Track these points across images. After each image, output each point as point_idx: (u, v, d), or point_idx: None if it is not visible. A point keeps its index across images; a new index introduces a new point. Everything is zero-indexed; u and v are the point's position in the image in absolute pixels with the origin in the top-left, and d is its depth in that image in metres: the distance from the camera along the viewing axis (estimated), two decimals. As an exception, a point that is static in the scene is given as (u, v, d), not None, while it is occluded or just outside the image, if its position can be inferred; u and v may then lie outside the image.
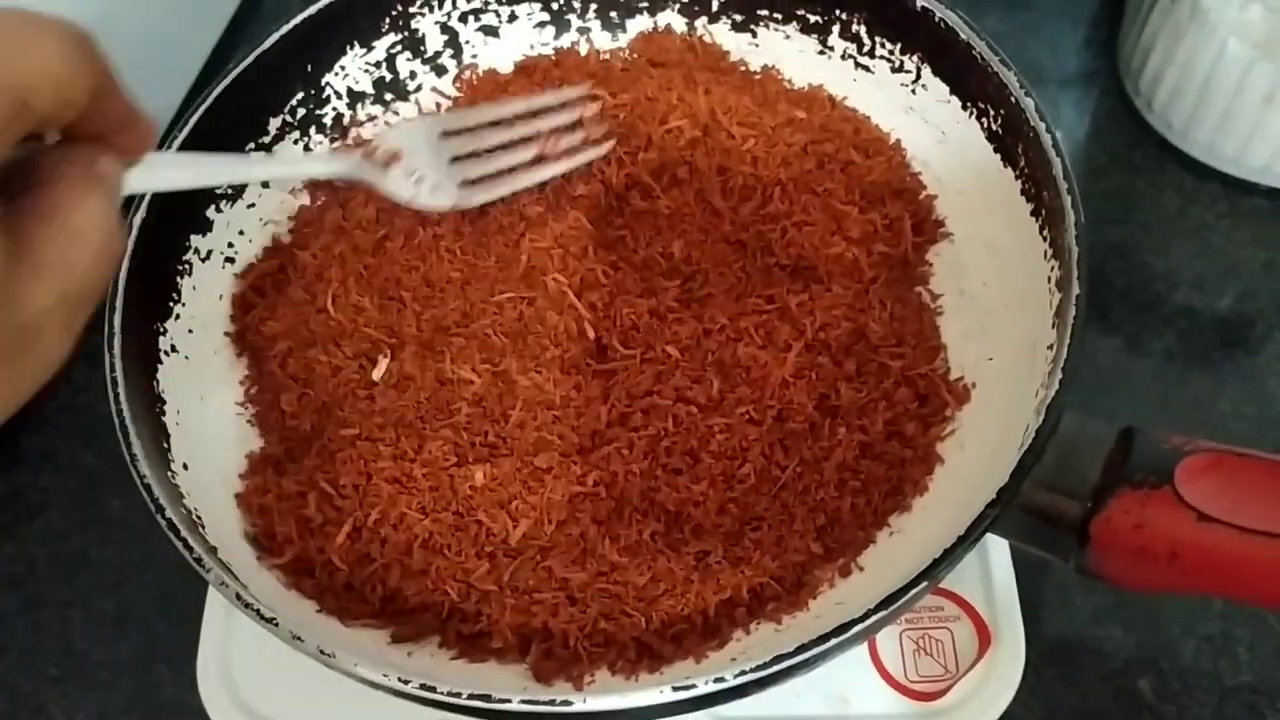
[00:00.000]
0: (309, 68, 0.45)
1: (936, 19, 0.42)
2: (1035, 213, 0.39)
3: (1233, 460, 0.31)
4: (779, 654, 0.29)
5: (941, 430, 0.38)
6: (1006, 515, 0.31)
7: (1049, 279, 0.37)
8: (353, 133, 0.46)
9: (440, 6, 0.47)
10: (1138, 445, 0.32)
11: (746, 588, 0.35)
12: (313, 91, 0.45)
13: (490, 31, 0.48)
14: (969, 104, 0.42)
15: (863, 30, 0.45)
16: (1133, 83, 0.55)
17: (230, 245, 0.42)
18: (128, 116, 0.25)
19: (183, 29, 0.57)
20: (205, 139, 0.39)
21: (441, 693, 0.29)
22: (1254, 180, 0.52)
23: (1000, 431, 0.35)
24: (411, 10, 0.46)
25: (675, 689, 0.29)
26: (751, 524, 0.36)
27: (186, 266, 0.41)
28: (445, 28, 0.47)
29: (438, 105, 0.47)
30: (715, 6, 0.48)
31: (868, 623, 0.29)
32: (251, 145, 0.43)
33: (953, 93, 0.43)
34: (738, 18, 0.48)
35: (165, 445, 0.36)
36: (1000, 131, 0.41)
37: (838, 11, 0.46)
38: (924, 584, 0.30)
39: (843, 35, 0.46)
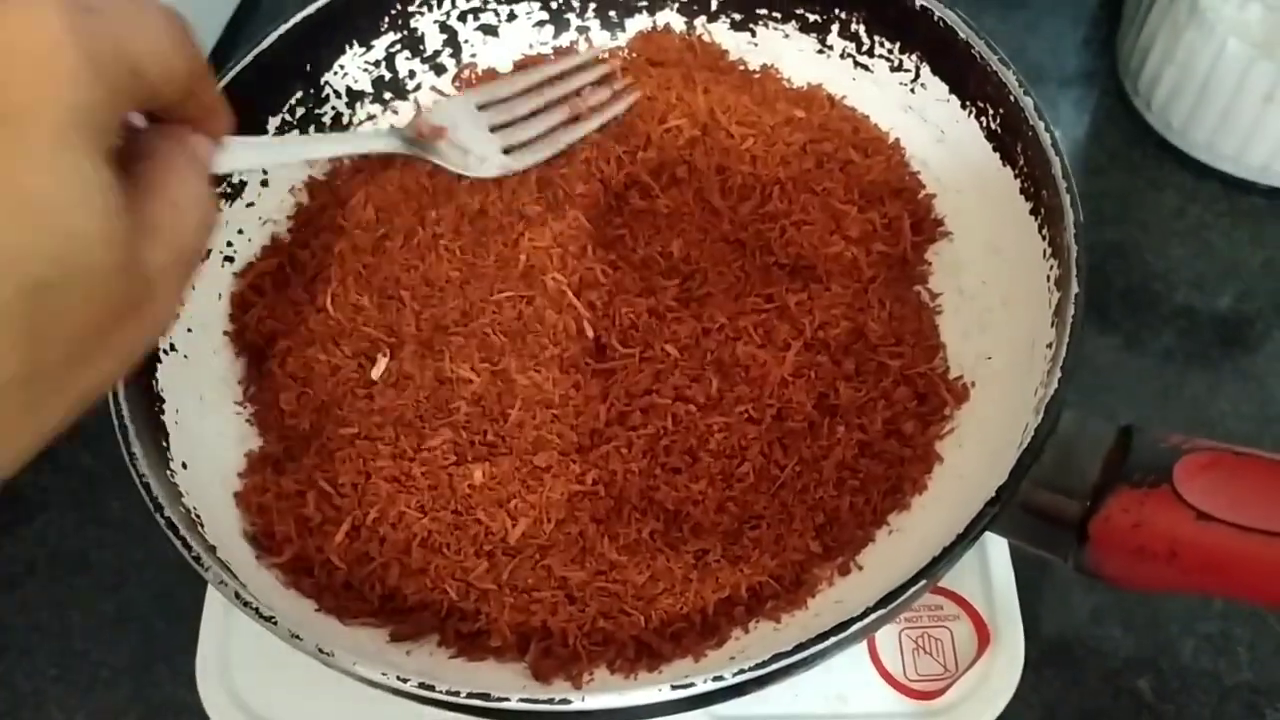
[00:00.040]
0: (308, 67, 0.45)
1: (935, 18, 0.42)
2: (1034, 211, 0.39)
3: (1231, 459, 0.31)
4: (778, 652, 0.29)
5: (940, 429, 0.38)
6: (1005, 514, 0.31)
7: (1048, 278, 0.37)
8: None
9: (439, 5, 0.47)
10: (1136, 444, 0.32)
11: (745, 586, 0.35)
12: (312, 91, 0.45)
13: (489, 30, 0.48)
14: (968, 103, 0.42)
15: (862, 29, 0.46)
16: (1131, 82, 0.55)
17: (229, 244, 0.42)
18: (213, 103, 0.27)
19: (182, 28, 0.57)
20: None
21: (440, 691, 0.29)
22: (1253, 179, 0.52)
23: (999, 430, 0.35)
24: (411, 9, 0.46)
25: (674, 687, 0.29)
26: (750, 523, 0.36)
27: (186, 265, 0.41)
28: (444, 27, 0.47)
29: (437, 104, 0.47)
30: (714, 6, 0.48)
31: (866, 621, 0.29)
32: (251, 144, 0.43)
33: (952, 92, 0.43)
34: (737, 17, 0.48)
35: (164, 444, 0.36)
36: (999, 130, 0.41)
37: (837, 10, 0.46)
38: (923, 582, 0.30)
39: (842, 34, 0.46)
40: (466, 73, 0.48)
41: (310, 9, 0.43)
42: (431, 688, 0.29)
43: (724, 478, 0.36)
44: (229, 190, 0.42)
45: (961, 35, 0.41)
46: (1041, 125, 0.38)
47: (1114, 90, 0.56)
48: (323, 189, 0.44)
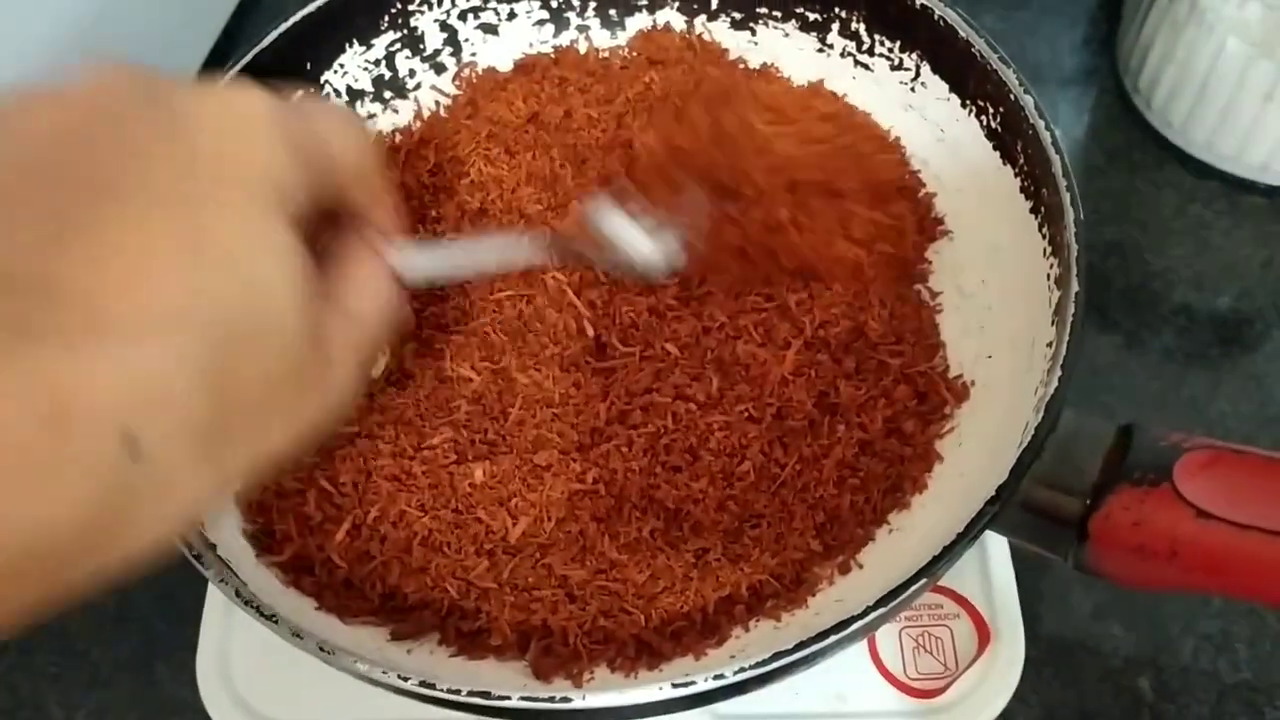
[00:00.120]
0: (308, 65, 0.45)
1: (935, 17, 0.42)
2: (1034, 210, 0.39)
3: (1231, 457, 0.31)
4: (778, 651, 0.29)
5: (941, 428, 0.38)
6: (1006, 512, 0.31)
7: (1048, 276, 0.37)
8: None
9: (439, 4, 0.47)
10: (1136, 442, 0.32)
11: (746, 585, 0.35)
12: (312, 89, 0.45)
13: (489, 29, 0.48)
14: (968, 102, 0.43)
15: (862, 28, 0.46)
16: (1131, 81, 0.55)
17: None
18: (380, 196, 0.29)
19: (182, 27, 0.57)
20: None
21: (441, 690, 0.29)
22: (1253, 178, 0.52)
23: (999, 429, 0.35)
24: (411, 8, 0.46)
25: (675, 686, 0.29)
26: (751, 521, 0.36)
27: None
28: (444, 25, 0.47)
29: (437, 104, 0.47)
30: (714, 4, 0.48)
31: (867, 620, 0.29)
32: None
33: (952, 90, 0.43)
34: (737, 15, 0.48)
35: (164, 443, 0.36)
36: (999, 129, 0.41)
37: (837, 9, 0.46)
38: (923, 581, 0.30)
39: (842, 33, 0.46)
40: (466, 71, 0.48)
41: (310, 8, 0.43)
42: (432, 686, 0.29)
43: (724, 476, 0.36)
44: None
45: (961, 34, 0.41)
46: (1042, 124, 0.38)
47: (1114, 89, 0.56)
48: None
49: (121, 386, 0.19)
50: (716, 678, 0.29)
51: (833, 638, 0.29)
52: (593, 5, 0.48)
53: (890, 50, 0.45)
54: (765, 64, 0.47)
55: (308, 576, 0.35)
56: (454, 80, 0.48)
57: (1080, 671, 0.41)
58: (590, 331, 0.38)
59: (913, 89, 0.45)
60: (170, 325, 0.20)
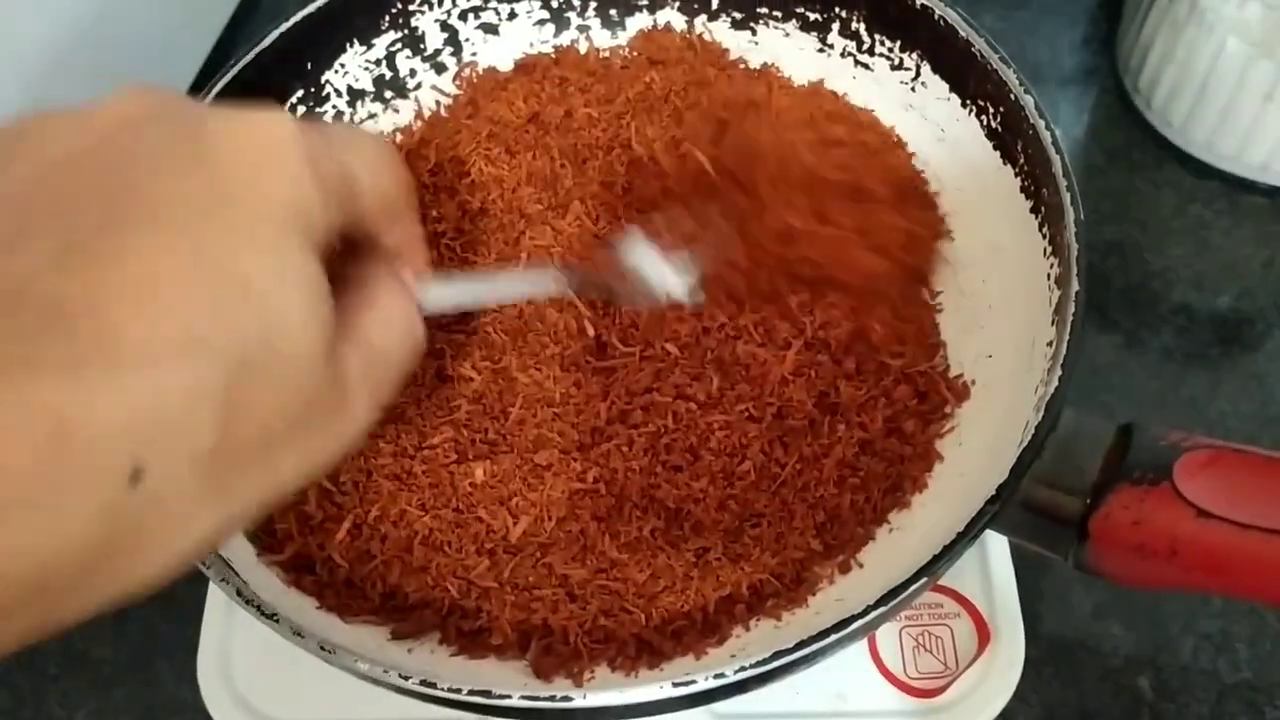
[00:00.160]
0: (309, 65, 0.45)
1: (936, 16, 0.42)
2: (1035, 210, 0.39)
3: (1232, 456, 0.31)
4: (778, 650, 0.29)
5: (941, 427, 0.38)
6: (1006, 512, 0.31)
7: (1048, 276, 0.37)
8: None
9: (440, 4, 0.47)
10: (1136, 442, 0.32)
11: (746, 584, 0.35)
12: (312, 89, 0.45)
13: (490, 29, 0.48)
14: (968, 101, 0.43)
15: (862, 28, 0.46)
16: (1131, 81, 0.55)
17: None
18: (414, 239, 0.29)
19: (182, 28, 0.57)
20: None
21: (442, 689, 0.29)
22: (1253, 178, 0.52)
23: (999, 428, 0.35)
24: (411, 8, 0.46)
25: (675, 685, 0.29)
26: (751, 521, 0.36)
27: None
28: (445, 25, 0.47)
29: (437, 103, 0.47)
30: (715, 4, 0.48)
31: (867, 619, 0.29)
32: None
33: (952, 90, 0.43)
34: (737, 15, 0.48)
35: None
36: (999, 129, 0.41)
37: (837, 9, 0.46)
38: (923, 580, 0.30)
39: (842, 33, 0.46)
40: (467, 71, 0.48)
41: (310, 8, 0.43)
42: (433, 685, 0.29)
43: (725, 476, 0.36)
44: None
45: (962, 34, 0.41)
46: (1042, 124, 0.38)
47: (1114, 89, 0.56)
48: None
49: (128, 416, 0.19)
50: (717, 677, 0.29)
51: (833, 637, 0.29)
52: (593, 5, 0.48)
53: (890, 50, 0.45)
54: (765, 64, 0.47)
55: (308, 575, 0.35)
56: (454, 80, 0.48)
57: (1080, 671, 0.41)
58: (590, 331, 0.38)
59: (913, 89, 0.45)
60: (182, 353, 0.20)
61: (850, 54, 0.46)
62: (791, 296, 0.38)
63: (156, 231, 0.20)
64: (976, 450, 0.36)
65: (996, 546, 0.41)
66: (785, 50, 0.47)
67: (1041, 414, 0.32)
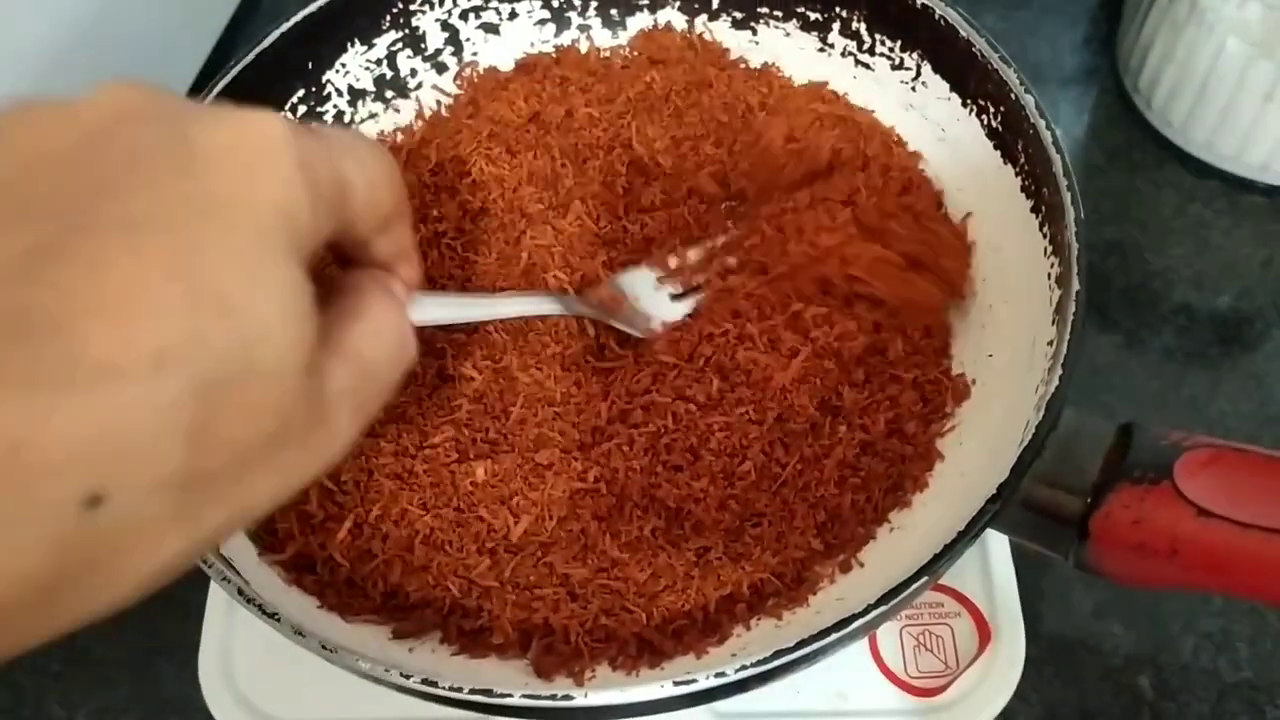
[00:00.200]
0: (309, 65, 0.45)
1: (936, 16, 0.42)
2: (1035, 209, 0.39)
3: (1232, 455, 0.31)
4: (779, 649, 0.29)
5: (942, 427, 0.38)
6: (1006, 511, 0.31)
7: (1049, 275, 0.37)
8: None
9: (441, 4, 0.47)
10: (1137, 441, 0.32)
11: (747, 584, 0.35)
12: (313, 89, 0.45)
13: (491, 29, 0.48)
14: (969, 101, 0.43)
15: (862, 27, 0.46)
16: (1131, 80, 0.55)
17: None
18: (408, 248, 0.28)
19: (182, 28, 0.57)
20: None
21: (443, 688, 0.29)
22: (1252, 178, 0.52)
23: (1000, 427, 0.35)
24: (412, 8, 0.46)
25: (676, 684, 0.29)
26: (752, 520, 0.36)
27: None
28: (446, 25, 0.47)
29: (438, 103, 0.47)
30: (715, 4, 0.48)
31: (868, 618, 0.29)
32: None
33: (952, 90, 0.43)
34: (738, 15, 0.48)
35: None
36: (1000, 128, 0.41)
37: (838, 9, 0.46)
38: (924, 579, 0.30)
39: (842, 32, 0.46)
40: (468, 71, 0.48)
41: (311, 7, 0.43)
42: (434, 684, 0.29)
43: (725, 475, 0.36)
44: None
45: (962, 34, 0.41)
46: (1042, 123, 0.38)
47: (1114, 89, 0.56)
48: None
49: (88, 437, 0.17)
50: (718, 676, 0.29)
51: (834, 636, 0.29)
52: (594, 5, 0.48)
53: (891, 50, 0.45)
54: (766, 63, 0.47)
55: (309, 575, 0.35)
56: (455, 80, 0.48)
57: (1081, 670, 0.41)
58: (591, 331, 0.38)
59: (913, 88, 0.45)
60: (150, 371, 0.18)
61: (851, 54, 0.46)
62: (810, 307, 0.38)
63: (132, 237, 0.19)
64: (977, 449, 0.36)
65: (997, 546, 0.41)
66: (786, 50, 0.47)
67: (1042, 413, 0.32)
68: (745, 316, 0.38)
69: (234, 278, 0.20)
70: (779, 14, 0.47)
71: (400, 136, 0.46)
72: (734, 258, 0.40)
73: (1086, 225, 0.35)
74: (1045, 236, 0.38)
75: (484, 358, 0.38)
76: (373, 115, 0.47)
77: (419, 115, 0.47)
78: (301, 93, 0.45)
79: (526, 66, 0.48)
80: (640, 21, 0.49)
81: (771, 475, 0.36)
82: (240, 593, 0.31)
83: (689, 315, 0.39)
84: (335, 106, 0.46)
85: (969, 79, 0.42)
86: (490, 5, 0.48)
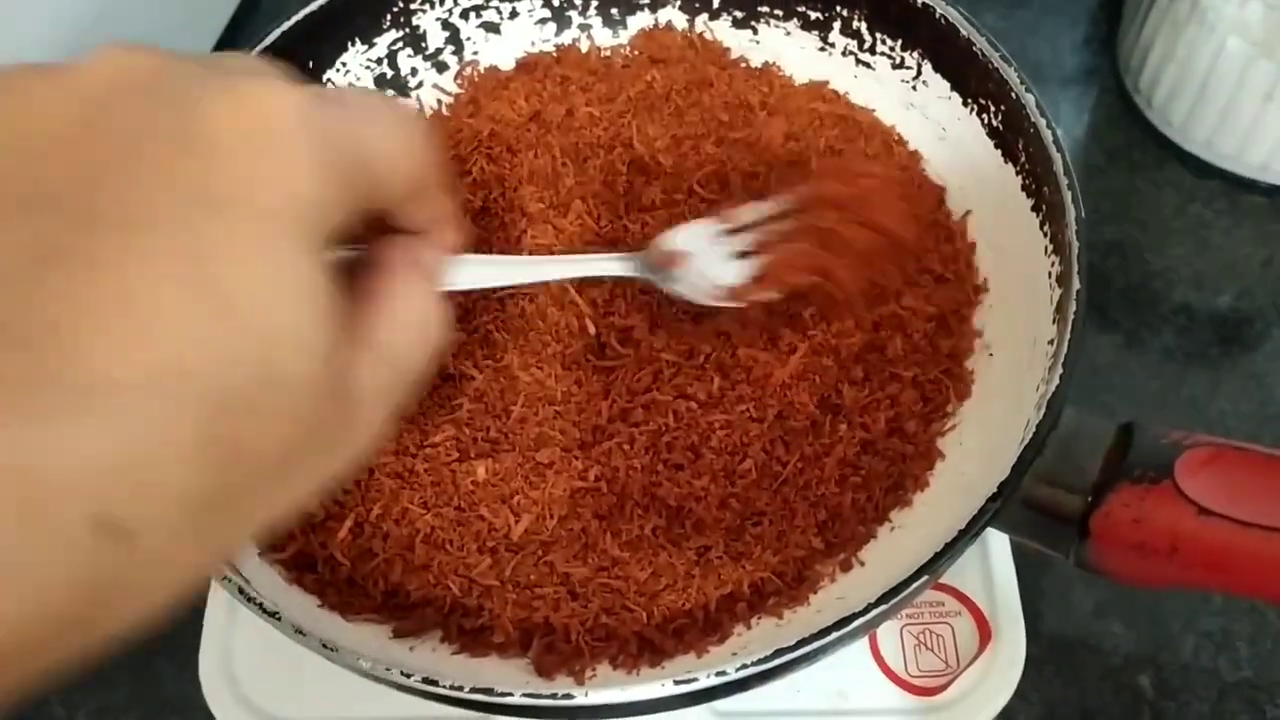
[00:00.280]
0: (310, 64, 0.45)
1: (937, 15, 0.42)
2: (1036, 208, 0.39)
3: (1232, 454, 0.31)
4: (780, 648, 0.29)
5: (942, 426, 0.38)
6: (1007, 510, 0.31)
7: (1049, 274, 0.37)
8: None
9: (441, 3, 0.47)
10: (1137, 440, 0.32)
11: (748, 582, 0.35)
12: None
13: (491, 28, 0.48)
14: (969, 100, 0.43)
15: (863, 27, 0.46)
16: (1132, 80, 0.55)
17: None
18: (444, 215, 0.26)
19: (182, 28, 0.57)
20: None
21: (443, 687, 0.29)
22: (1253, 178, 0.52)
23: (1001, 426, 0.35)
24: (413, 7, 0.46)
25: (677, 683, 0.29)
26: (752, 519, 0.36)
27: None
28: (446, 24, 0.47)
29: (439, 102, 0.47)
30: (716, 3, 0.48)
31: (868, 617, 0.29)
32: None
33: (953, 89, 0.43)
34: (738, 14, 0.48)
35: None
36: (1001, 128, 0.41)
37: (838, 8, 0.46)
38: (924, 578, 0.30)
39: (843, 32, 0.46)
40: (469, 70, 0.48)
41: (312, 7, 0.43)
42: (435, 683, 0.29)
43: (726, 474, 0.36)
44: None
45: (963, 33, 0.41)
46: (1043, 122, 0.38)
47: (1114, 89, 0.56)
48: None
49: (105, 464, 0.16)
50: (718, 675, 0.29)
51: (834, 635, 0.29)
52: (594, 4, 0.48)
53: (892, 49, 0.45)
54: (767, 63, 0.47)
55: (310, 574, 0.35)
56: (456, 79, 0.48)
57: (1081, 669, 0.41)
58: (592, 329, 0.38)
59: (914, 88, 0.45)
60: (168, 388, 0.17)
61: (851, 53, 0.46)
62: (808, 306, 0.38)
63: (135, 236, 0.17)
64: (978, 448, 0.36)
65: (998, 545, 0.41)
66: (786, 49, 0.47)
67: (1043, 412, 0.32)
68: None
69: (246, 280, 0.18)
70: (780, 13, 0.47)
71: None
72: (792, 221, 0.37)
73: (1086, 225, 0.35)
74: (1046, 235, 0.38)
75: (484, 356, 0.38)
76: (373, 114, 0.47)
77: (419, 114, 0.47)
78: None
79: (527, 65, 0.48)
80: (641, 21, 0.49)
81: (772, 474, 0.36)
82: (241, 592, 0.31)
83: (756, 280, 0.36)
84: (336, 106, 0.46)
85: (969, 78, 0.42)
86: (491, 4, 0.48)
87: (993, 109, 0.41)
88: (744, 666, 0.29)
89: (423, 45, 0.47)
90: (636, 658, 0.34)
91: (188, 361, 0.17)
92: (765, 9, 0.47)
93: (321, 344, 0.20)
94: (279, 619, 0.30)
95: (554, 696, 0.29)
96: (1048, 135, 0.37)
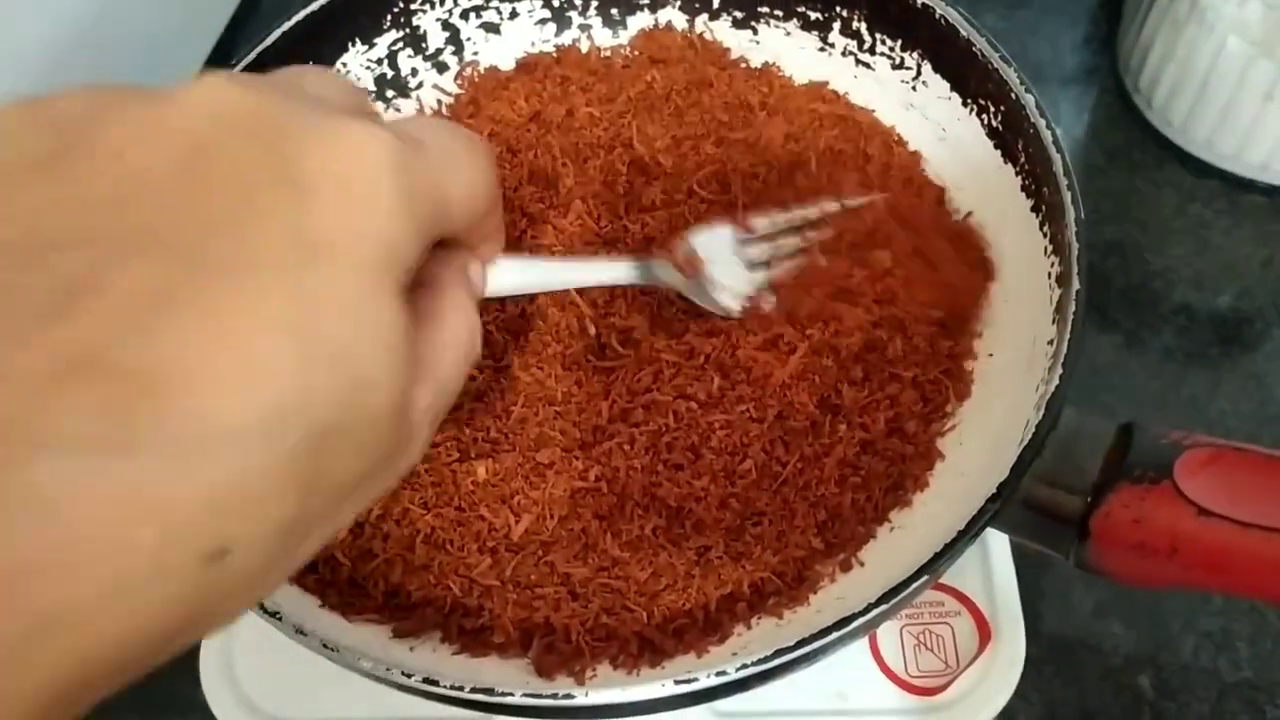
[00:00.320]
0: (310, 64, 0.45)
1: (937, 16, 0.42)
2: (1035, 209, 0.39)
3: (1232, 455, 0.31)
4: (780, 648, 0.29)
5: (942, 426, 0.38)
6: (1007, 510, 0.31)
7: (1049, 275, 0.37)
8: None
9: (441, 3, 0.47)
10: (1137, 440, 0.32)
11: (748, 583, 0.35)
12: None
13: (491, 28, 0.48)
14: (969, 100, 0.43)
15: (863, 27, 0.46)
16: (1132, 80, 0.55)
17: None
18: (496, 229, 0.27)
19: (182, 28, 0.57)
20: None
21: (444, 687, 0.29)
22: (1252, 178, 0.52)
23: (1001, 427, 0.35)
24: (413, 7, 0.47)
25: (677, 683, 0.29)
26: (752, 519, 0.36)
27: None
28: (446, 24, 0.48)
29: (439, 102, 0.47)
30: (716, 4, 0.48)
31: (868, 617, 0.29)
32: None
33: (953, 89, 0.43)
34: (738, 14, 0.48)
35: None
36: (1000, 128, 0.41)
37: (838, 8, 0.46)
38: (924, 578, 0.30)
39: (843, 32, 0.46)
40: (469, 70, 0.48)
41: (312, 7, 0.43)
42: (435, 683, 0.29)
43: (726, 474, 0.36)
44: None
45: (963, 33, 0.41)
46: (1043, 123, 0.38)
47: (1114, 89, 0.56)
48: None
49: (217, 498, 0.17)
50: (718, 675, 0.29)
51: (834, 635, 0.29)
52: (594, 4, 0.48)
53: (891, 49, 0.45)
54: (766, 63, 0.47)
55: (311, 574, 0.35)
56: (456, 79, 0.48)
57: (1081, 669, 0.41)
58: (592, 330, 0.38)
59: (914, 88, 0.45)
60: (271, 429, 0.18)
61: (851, 53, 0.46)
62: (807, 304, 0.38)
63: (244, 282, 0.18)
64: (977, 449, 0.36)
65: (997, 545, 0.41)
66: (786, 49, 0.47)
67: (1042, 412, 0.32)
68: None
69: (343, 326, 0.19)
70: (779, 13, 0.47)
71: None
72: (816, 232, 0.38)
73: (1086, 225, 0.35)
74: (1045, 236, 0.38)
75: (485, 357, 0.38)
76: (373, 115, 0.47)
77: (420, 115, 0.47)
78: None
79: (527, 66, 0.48)
80: (641, 21, 0.49)
81: (772, 474, 0.36)
82: (241, 592, 0.31)
83: (769, 291, 0.37)
84: (336, 106, 0.46)
85: (969, 78, 0.42)
86: (491, 5, 0.48)
87: (992, 109, 0.41)
88: (744, 666, 0.29)
89: (423, 46, 0.47)
90: (637, 658, 0.34)
91: (290, 404, 0.18)
92: (765, 9, 0.47)
93: (401, 386, 0.21)
94: (280, 619, 0.30)
95: (554, 696, 0.29)
96: (1047, 136, 0.37)
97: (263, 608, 0.30)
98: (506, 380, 0.37)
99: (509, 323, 0.38)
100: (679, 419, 0.37)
